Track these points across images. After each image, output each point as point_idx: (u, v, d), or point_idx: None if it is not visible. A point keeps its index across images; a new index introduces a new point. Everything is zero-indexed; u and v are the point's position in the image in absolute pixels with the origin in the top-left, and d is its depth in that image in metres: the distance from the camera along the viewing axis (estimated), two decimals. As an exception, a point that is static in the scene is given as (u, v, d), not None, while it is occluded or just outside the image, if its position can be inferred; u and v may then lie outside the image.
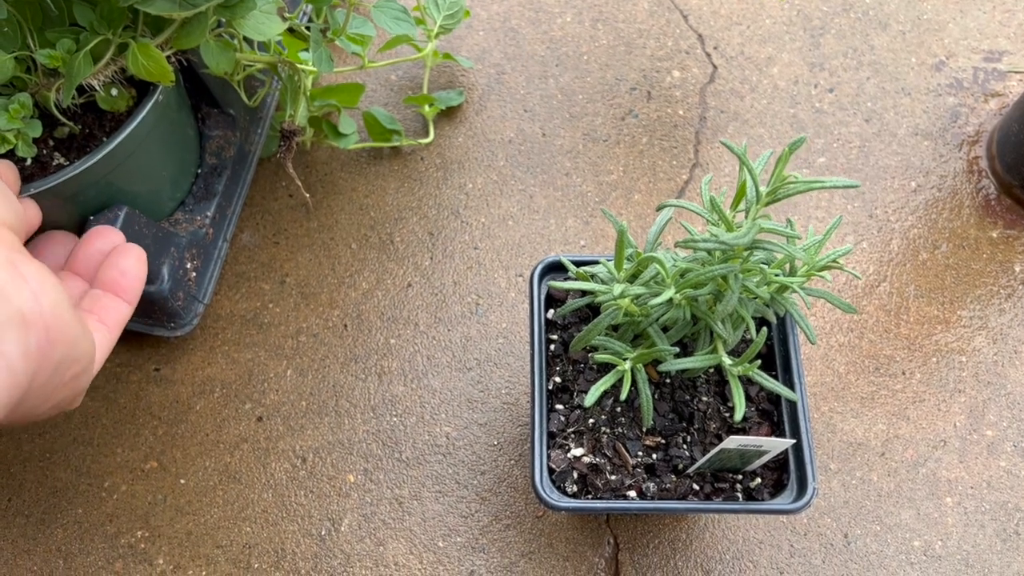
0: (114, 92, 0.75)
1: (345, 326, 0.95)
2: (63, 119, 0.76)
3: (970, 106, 1.08)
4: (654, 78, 1.10)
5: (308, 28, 0.83)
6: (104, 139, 0.77)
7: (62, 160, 0.77)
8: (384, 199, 1.02)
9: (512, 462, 0.88)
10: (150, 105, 0.75)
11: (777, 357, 0.75)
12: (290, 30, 0.84)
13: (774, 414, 0.74)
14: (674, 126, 1.07)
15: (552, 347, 0.76)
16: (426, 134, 1.05)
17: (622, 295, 0.62)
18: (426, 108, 1.02)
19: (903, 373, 0.93)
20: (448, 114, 1.07)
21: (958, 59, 1.11)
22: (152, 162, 0.82)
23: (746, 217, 0.62)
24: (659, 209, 0.70)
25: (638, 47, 1.12)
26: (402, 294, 0.97)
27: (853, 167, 1.04)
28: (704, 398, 0.74)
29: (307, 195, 0.99)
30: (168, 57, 0.71)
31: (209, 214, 0.91)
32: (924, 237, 1.00)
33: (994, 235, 1.00)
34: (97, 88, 0.71)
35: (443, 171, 1.04)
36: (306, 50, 0.84)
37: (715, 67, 1.10)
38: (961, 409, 0.91)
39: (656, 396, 0.74)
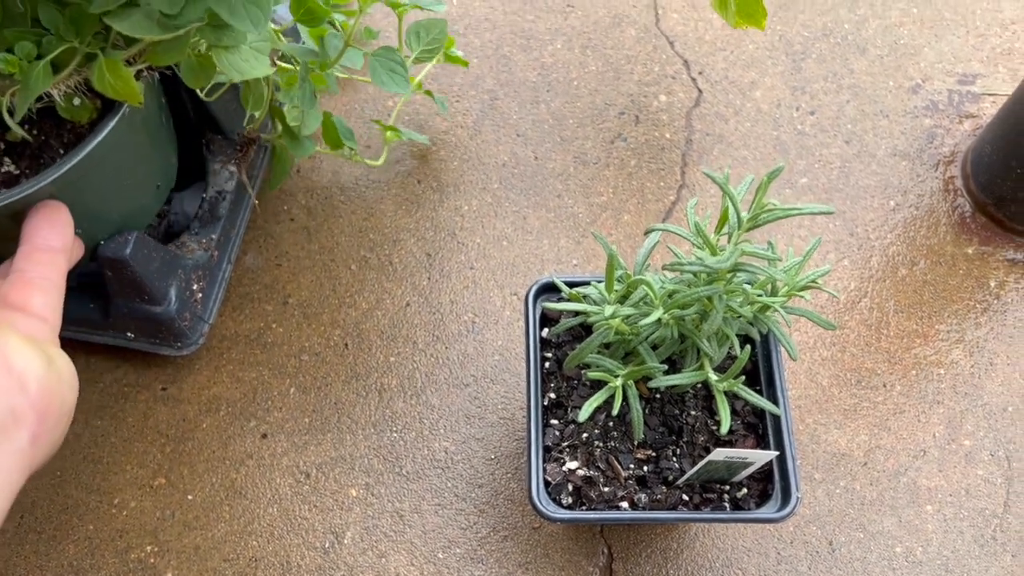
0: (76, 102, 0.68)
1: (346, 345, 0.98)
2: (14, 126, 0.68)
3: (945, 127, 1.12)
4: (642, 102, 1.14)
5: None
6: (61, 151, 0.71)
7: (12, 168, 0.71)
8: (382, 221, 1.05)
9: (509, 475, 0.91)
10: (115, 121, 0.68)
11: (761, 372, 0.78)
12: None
13: (759, 427, 0.77)
14: (661, 149, 1.10)
15: (547, 364, 0.80)
16: (379, 156, 1.07)
17: (613, 316, 0.66)
18: (387, 134, 1.04)
19: (884, 386, 0.96)
20: (444, 138, 1.11)
21: (934, 82, 1.16)
22: (113, 183, 0.75)
23: (729, 241, 0.66)
24: (647, 233, 0.74)
25: (626, 73, 1.16)
26: (401, 313, 1.00)
27: (834, 187, 1.08)
28: (692, 412, 0.78)
29: (256, 200, 0.99)
30: (141, 72, 0.66)
31: (214, 237, 0.94)
32: (903, 254, 1.04)
33: (970, 251, 1.04)
34: (57, 98, 0.64)
35: (439, 194, 1.07)
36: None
37: (700, 91, 1.15)
38: (940, 420, 0.95)
39: (647, 411, 0.78)
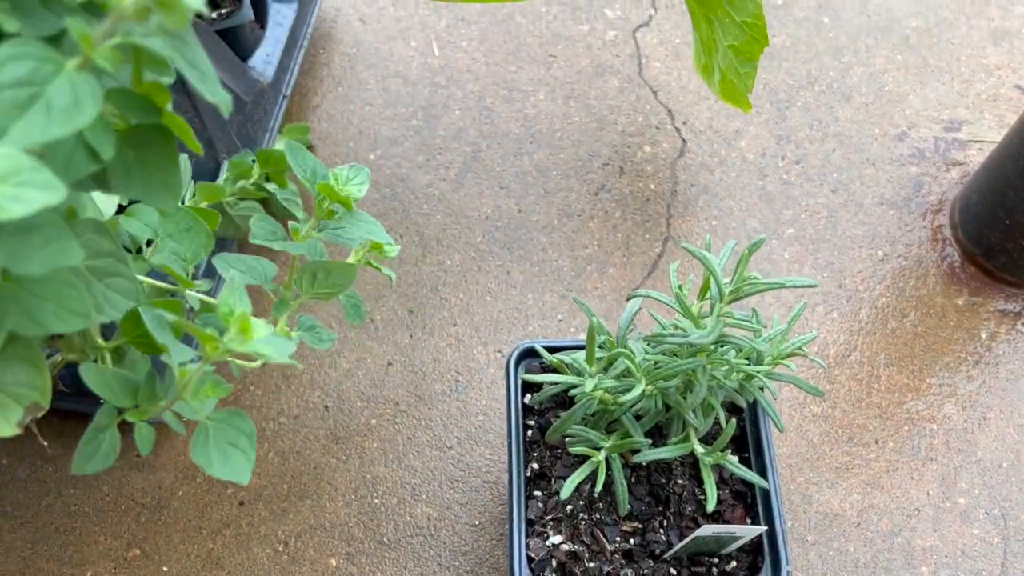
0: None
1: (326, 407, 0.96)
2: None
3: (932, 175, 1.11)
4: (626, 153, 1.13)
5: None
6: None
7: None
8: (363, 276, 1.03)
9: (494, 542, 0.88)
10: None
11: (749, 439, 0.77)
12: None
13: (748, 496, 0.75)
14: (646, 200, 1.09)
15: (530, 433, 0.78)
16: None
17: (595, 389, 0.64)
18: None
19: (876, 442, 0.94)
20: (426, 192, 1.09)
21: (920, 129, 1.15)
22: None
23: (711, 311, 0.64)
24: (628, 299, 0.72)
25: (610, 123, 1.15)
26: (382, 373, 0.98)
27: (821, 237, 1.07)
28: (680, 481, 0.76)
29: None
30: None
31: (191, 300, 0.92)
32: (892, 306, 1.03)
33: (960, 302, 1.03)
34: None
35: (422, 248, 1.06)
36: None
37: (685, 141, 1.14)
38: (934, 477, 0.93)
39: (632, 479, 0.75)
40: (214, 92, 0.44)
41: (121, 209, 0.71)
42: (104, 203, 0.68)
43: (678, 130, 1.15)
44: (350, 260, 0.74)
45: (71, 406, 0.89)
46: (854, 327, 1.01)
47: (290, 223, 0.70)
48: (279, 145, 0.90)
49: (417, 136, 1.13)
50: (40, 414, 0.55)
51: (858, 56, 1.20)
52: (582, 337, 0.85)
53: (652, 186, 1.10)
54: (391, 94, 1.15)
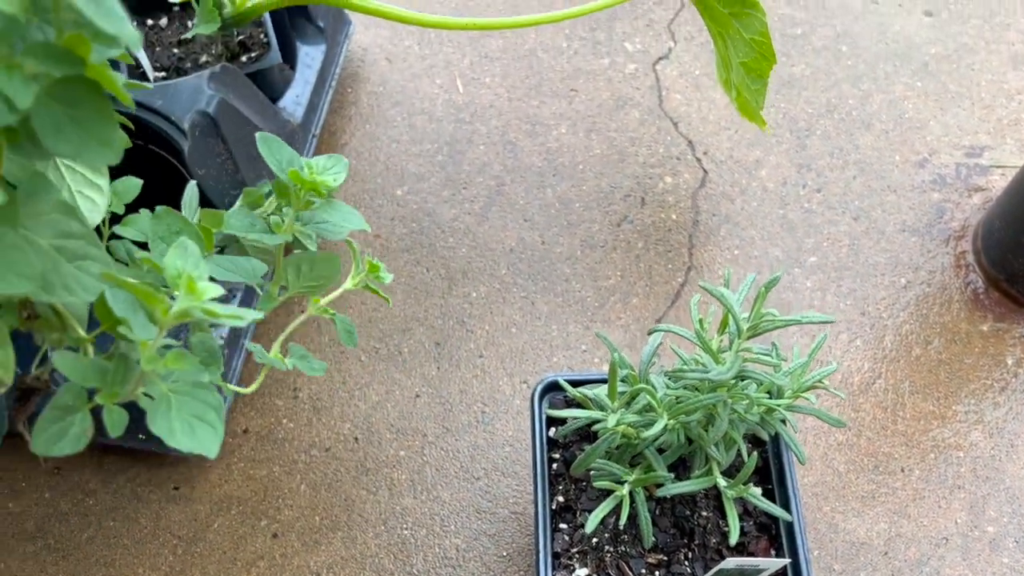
0: None
1: (356, 439, 0.98)
2: None
3: (954, 201, 1.12)
4: (647, 184, 1.14)
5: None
6: None
7: None
8: (391, 310, 1.06)
9: (521, 573, 0.90)
10: None
11: (772, 470, 0.77)
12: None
13: (772, 527, 0.76)
14: (668, 230, 1.11)
15: (555, 466, 0.79)
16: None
17: (617, 424, 0.65)
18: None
19: (902, 470, 0.95)
20: (452, 225, 1.12)
21: (941, 156, 1.15)
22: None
23: (730, 347, 0.66)
24: (650, 333, 0.74)
25: (631, 155, 1.17)
26: (410, 405, 1.00)
27: (843, 265, 1.07)
28: (704, 512, 0.77)
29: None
30: None
31: (224, 335, 0.95)
32: (916, 333, 1.03)
33: (984, 328, 1.03)
34: None
35: (448, 281, 1.08)
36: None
37: (706, 171, 1.15)
38: (961, 505, 0.92)
39: (657, 511, 0.77)
40: (115, 26, 0.44)
41: (115, 218, 0.73)
42: (90, 212, 0.69)
43: (699, 160, 1.16)
44: (347, 285, 0.77)
45: (112, 440, 0.92)
46: (878, 355, 1.02)
47: (270, 217, 0.72)
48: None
49: (443, 171, 1.16)
50: (3, 390, 0.55)
51: (877, 83, 1.21)
52: (605, 368, 0.87)
53: (674, 216, 1.12)
54: (417, 131, 1.18)
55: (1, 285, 0.47)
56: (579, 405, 0.75)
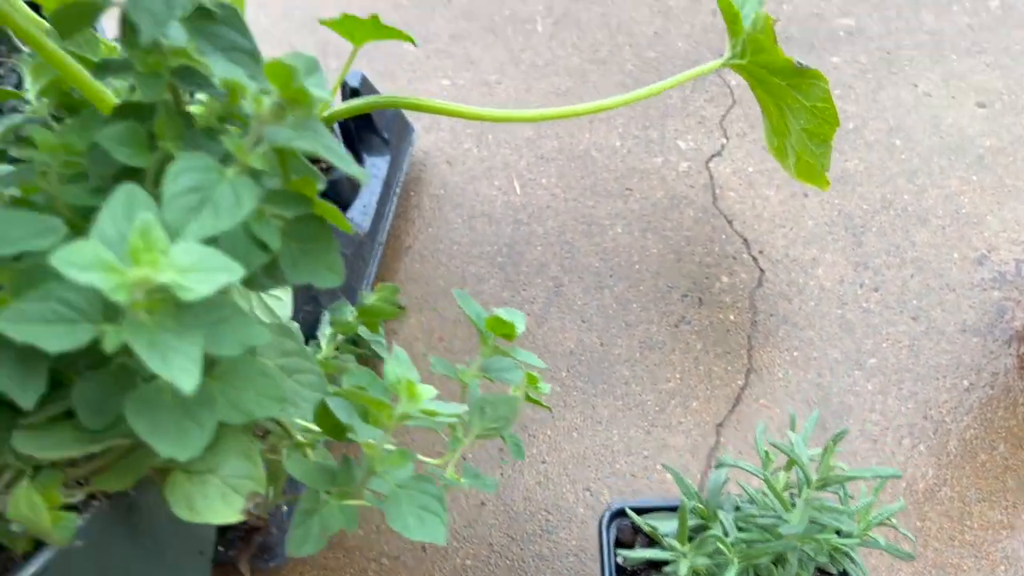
0: (15, 528, 0.51)
1: (423, 548, 1.00)
2: None
3: (1015, 299, 1.11)
4: (704, 284, 1.16)
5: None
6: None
7: None
8: (456, 416, 1.09)
9: None
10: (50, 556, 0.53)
11: (842, 601, 0.78)
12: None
13: (843, 659, 0.76)
14: (726, 331, 1.12)
15: (623, 592, 0.80)
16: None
17: (688, 572, 0.67)
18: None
19: (971, 583, 0.94)
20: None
21: (999, 252, 1.15)
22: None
23: (799, 493, 0.67)
24: (717, 467, 0.75)
25: (687, 254, 1.19)
26: (476, 512, 1.02)
27: (904, 367, 1.08)
28: (773, 642, 0.77)
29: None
30: (88, 499, 0.53)
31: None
32: (981, 437, 1.02)
33: (1051, 434, 1.02)
34: None
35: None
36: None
37: (762, 271, 1.17)
38: (1034, 621, 0.91)
39: (726, 641, 0.77)
40: (350, 166, 0.52)
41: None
42: (280, 308, 0.76)
43: (755, 259, 1.18)
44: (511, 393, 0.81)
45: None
46: (942, 460, 1.01)
47: (457, 366, 0.77)
48: (369, 300, 0.97)
49: (502, 272, 1.19)
50: (259, 501, 0.60)
51: (932, 178, 1.22)
52: (668, 479, 0.88)
53: (732, 317, 1.13)
54: (477, 233, 1.22)
55: (259, 411, 0.53)
56: (648, 537, 0.77)
